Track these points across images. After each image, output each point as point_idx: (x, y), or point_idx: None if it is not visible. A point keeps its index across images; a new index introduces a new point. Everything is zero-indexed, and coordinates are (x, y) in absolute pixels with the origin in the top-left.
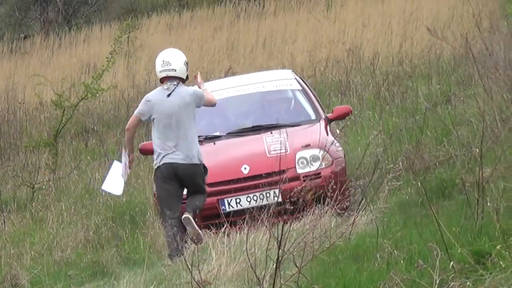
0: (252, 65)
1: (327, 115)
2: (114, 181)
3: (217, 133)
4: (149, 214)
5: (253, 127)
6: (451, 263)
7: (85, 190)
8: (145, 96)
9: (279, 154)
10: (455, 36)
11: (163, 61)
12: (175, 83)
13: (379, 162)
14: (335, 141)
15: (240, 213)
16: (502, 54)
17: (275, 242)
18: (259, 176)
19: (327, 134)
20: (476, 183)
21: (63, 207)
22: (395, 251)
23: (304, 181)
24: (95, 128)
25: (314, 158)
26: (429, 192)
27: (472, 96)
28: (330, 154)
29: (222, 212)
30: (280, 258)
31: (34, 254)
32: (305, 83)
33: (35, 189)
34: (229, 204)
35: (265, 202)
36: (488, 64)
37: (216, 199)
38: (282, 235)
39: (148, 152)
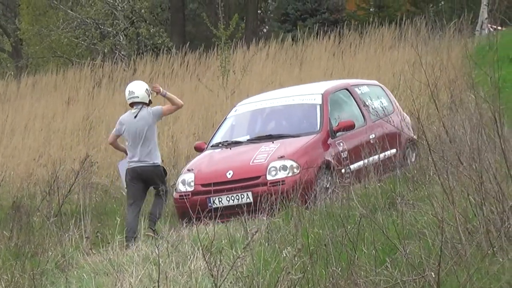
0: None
1: (333, 127)
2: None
3: (239, 139)
4: None
5: (266, 136)
6: None
7: None
8: (119, 118)
9: (256, 163)
10: None
11: (129, 91)
12: (139, 107)
13: None
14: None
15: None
16: (467, 140)
17: None
18: (238, 180)
19: (319, 145)
20: None
21: None
22: None
23: (270, 186)
24: None
25: (284, 167)
26: None
27: (426, 199)
28: (299, 164)
29: (209, 207)
30: None
31: None
32: (352, 92)
33: None
34: (213, 201)
35: (240, 201)
36: (448, 153)
37: (205, 197)
38: None
39: (200, 150)
